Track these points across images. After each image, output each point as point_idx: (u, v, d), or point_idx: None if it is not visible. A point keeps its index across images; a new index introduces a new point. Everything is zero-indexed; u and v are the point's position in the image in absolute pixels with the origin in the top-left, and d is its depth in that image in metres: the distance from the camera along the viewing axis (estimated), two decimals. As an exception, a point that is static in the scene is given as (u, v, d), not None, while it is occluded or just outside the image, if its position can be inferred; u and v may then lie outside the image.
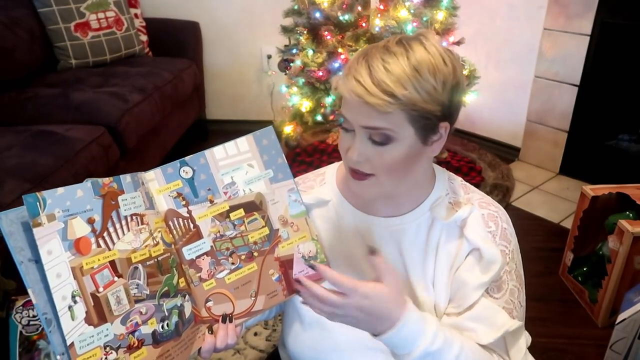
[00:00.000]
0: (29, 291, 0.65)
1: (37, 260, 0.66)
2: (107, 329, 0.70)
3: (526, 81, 2.75)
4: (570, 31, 2.51)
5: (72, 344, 0.66)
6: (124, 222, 0.74)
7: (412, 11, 2.12)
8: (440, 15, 2.20)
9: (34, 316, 1.07)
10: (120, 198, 0.74)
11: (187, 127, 2.88)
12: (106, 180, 0.73)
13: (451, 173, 0.91)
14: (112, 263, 0.72)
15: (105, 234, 0.72)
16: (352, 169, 0.79)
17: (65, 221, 0.69)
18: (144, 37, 2.84)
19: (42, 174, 1.65)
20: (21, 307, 1.07)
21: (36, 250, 0.66)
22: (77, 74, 2.45)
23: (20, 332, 1.06)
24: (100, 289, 0.71)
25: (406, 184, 0.82)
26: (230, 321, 0.81)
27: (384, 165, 0.76)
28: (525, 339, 0.90)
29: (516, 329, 0.81)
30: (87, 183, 0.72)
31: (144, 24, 2.86)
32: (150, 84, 2.41)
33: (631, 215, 1.74)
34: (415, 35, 0.76)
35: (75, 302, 0.68)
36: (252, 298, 0.83)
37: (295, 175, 0.88)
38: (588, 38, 2.46)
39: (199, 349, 0.80)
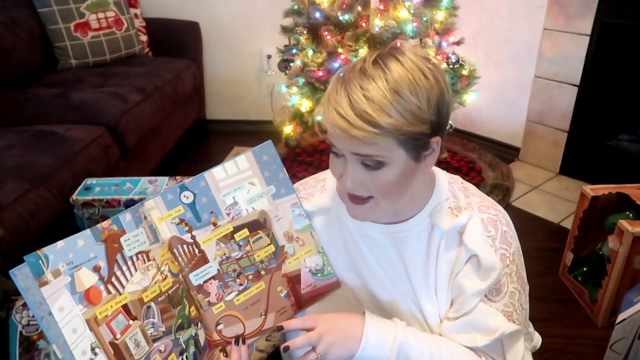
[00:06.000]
0: (54, 346, 0.64)
1: None
2: None
3: (526, 81, 2.74)
4: (570, 31, 2.51)
5: None
6: (130, 263, 0.73)
7: (412, 11, 2.12)
8: (440, 15, 2.20)
9: (34, 316, 1.07)
10: (122, 239, 0.73)
11: (187, 127, 2.88)
12: (105, 224, 0.72)
13: (451, 175, 0.90)
14: (125, 307, 0.71)
15: (113, 279, 0.71)
16: (350, 194, 0.78)
17: (72, 274, 0.67)
18: (143, 37, 2.84)
19: (42, 174, 1.65)
20: (21, 307, 1.07)
21: None
22: (77, 74, 2.45)
23: (20, 332, 1.06)
24: (118, 336, 0.69)
25: (404, 199, 0.81)
26: (243, 343, 0.81)
27: (379, 188, 0.75)
28: (531, 341, 0.90)
29: (513, 332, 0.81)
30: (87, 231, 0.70)
31: (143, 24, 2.86)
32: (150, 84, 2.41)
33: (631, 215, 1.74)
34: (390, 51, 0.74)
35: (95, 354, 0.67)
36: (262, 317, 0.83)
37: (294, 176, 0.88)
38: (588, 38, 2.46)
39: None
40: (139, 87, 2.33)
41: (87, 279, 0.68)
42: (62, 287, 0.66)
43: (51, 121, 2.03)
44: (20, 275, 0.64)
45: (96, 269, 0.69)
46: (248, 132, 3.17)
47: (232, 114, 3.31)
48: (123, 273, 0.72)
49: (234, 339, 0.80)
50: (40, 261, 0.65)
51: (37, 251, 0.65)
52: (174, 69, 2.66)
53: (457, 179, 0.90)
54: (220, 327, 0.81)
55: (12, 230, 1.44)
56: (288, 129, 2.57)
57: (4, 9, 2.37)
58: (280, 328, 0.80)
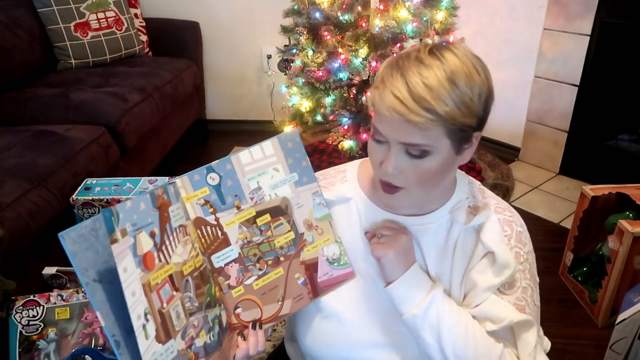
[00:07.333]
0: (97, 313, 0.63)
1: (101, 280, 0.64)
2: (172, 346, 0.69)
3: (526, 81, 2.75)
4: (570, 31, 2.51)
5: None
6: (174, 235, 0.73)
7: (412, 11, 2.12)
8: (440, 15, 2.20)
9: (34, 316, 1.08)
10: (170, 209, 0.73)
11: (187, 127, 2.88)
12: (159, 191, 0.72)
13: (470, 177, 0.93)
14: (171, 277, 0.71)
15: (163, 248, 0.70)
16: (384, 181, 0.79)
17: (135, 236, 0.66)
18: (143, 37, 2.84)
19: (42, 174, 1.65)
20: (21, 307, 1.07)
21: (98, 269, 0.64)
22: (77, 74, 2.45)
23: (20, 332, 1.06)
24: (165, 305, 0.69)
25: (435, 191, 0.83)
26: (260, 327, 0.82)
27: (418, 178, 0.77)
28: (542, 342, 0.91)
29: (523, 322, 0.82)
30: (147, 195, 0.69)
31: (143, 24, 2.86)
32: (150, 84, 2.41)
33: (631, 215, 1.74)
34: (444, 44, 0.76)
35: (147, 320, 0.66)
36: (279, 303, 0.84)
37: None
38: (588, 38, 2.46)
39: (233, 357, 0.80)
40: (139, 87, 2.33)
41: (146, 243, 0.67)
42: (127, 247, 0.64)
43: (51, 121, 2.03)
44: (68, 238, 0.62)
45: (152, 235, 0.69)
46: (248, 132, 3.16)
47: (232, 114, 3.31)
48: (171, 243, 0.71)
49: (251, 324, 0.82)
50: (113, 217, 0.63)
51: (111, 207, 0.64)
52: (174, 69, 2.66)
53: (476, 181, 0.93)
54: (238, 310, 0.82)
55: (12, 230, 1.44)
56: (288, 129, 2.57)
57: (4, 9, 2.37)
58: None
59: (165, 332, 0.68)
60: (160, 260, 0.69)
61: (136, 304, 0.64)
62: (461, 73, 0.72)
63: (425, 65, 0.72)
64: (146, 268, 0.67)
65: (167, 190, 0.73)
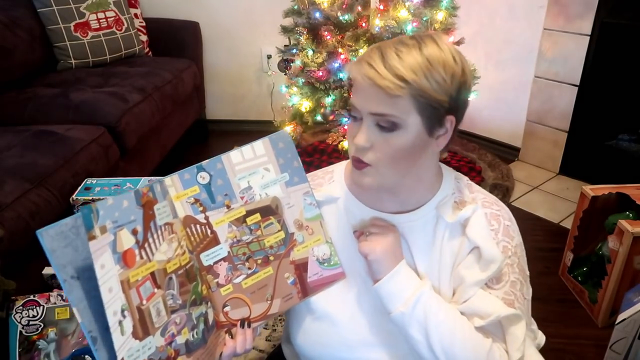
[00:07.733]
0: (74, 310, 0.63)
1: (79, 277, 0.64)
2: (150, 342, 0.70)
3: (526, 81, 2.75)
4: (570, 31, 2.51)
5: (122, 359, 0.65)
6: (159, 232, 0.73)
7: (412, 11, 2.12)
8: (440, 15, 2.20)
9: (34, 316, 1.08)
10: (155, 207, 0.73)
11: (187, 127, 2.88)
12: (144, 189, 0.72)
13: (458, 172, 0.93)
14: (152, 274, 0.71)
15: (146, 245, 0.71)
16: (355, 157, 0.80)
17: (115, 233, 0.67)
18: (143, 37, 2.84)
19: (42, 174, 1.65)
20: (21, 307, 1.07)
21: (77, 266, 0.64)
22: (77, 74, 2.45)
23: (20, 332, 1.06)
24: (144, 302, 0.70)
25: (409, 177, 0.83)
26: (249, 326, 0.83)
27: (388, 153, 0.77)
28: (534, 339, 0.91)
29: (511, 317, 0.82)
30: (131, 193, 0.70)
31: (143, 24, 2.86)
32: (150, 84, 2.41)
33: (631, 215, 1.74)
34: (429, 34, 0.79)
35: (124, 316, 0.66)
36: (268, 302, 0.84)
37: None
38: (588, 38, 2.46)
39: (220, 354, 0.81)
40: (139, 87, 2.33)
41: (126, 240, 0.68)
42: (105, 244, 0.65)
43: (51, 121, 2.03)
44: (47, 236, 0.63)
45: (134, 232, 0.69)
46: (248, 132, 3.16)
47: (232, 114, 3.31)
48: (154, 241, 0.72)
49: (239, 322, 0.82)
50: (92, 214, 0.64)
51: (91, 204, 0.65)
52: (174, 69, 2.66)
53: (463, 176, 0.93)
54: (227, 309, 0.82)
55: (12, 230, 1.44)
56: (288, 129, 2.57)
57: (4, 9, 2.37)
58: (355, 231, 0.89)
59: (143, 329, 0.69)
60: (142, 258, 0.70)
61: (113, 300, 0.65)
62: (437, 57, 0.75)
63: (404, 44, 0.76)
64: (126, 265, 0.67)
65: (154, 188, 0.74)
